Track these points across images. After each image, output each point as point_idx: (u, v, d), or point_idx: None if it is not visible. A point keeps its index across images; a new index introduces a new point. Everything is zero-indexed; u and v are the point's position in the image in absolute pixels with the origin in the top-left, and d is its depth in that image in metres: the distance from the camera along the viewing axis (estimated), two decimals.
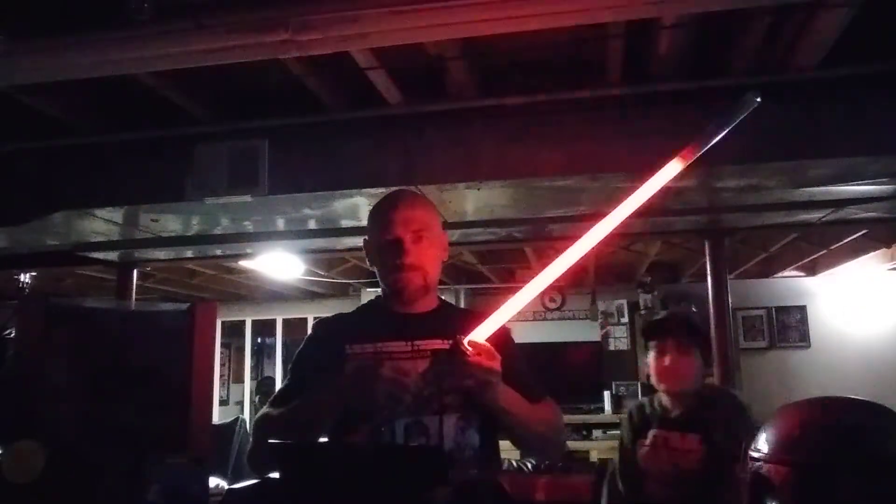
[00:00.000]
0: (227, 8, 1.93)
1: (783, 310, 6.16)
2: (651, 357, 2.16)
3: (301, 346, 1.60)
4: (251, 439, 1.54)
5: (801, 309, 6.11)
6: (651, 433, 2.11)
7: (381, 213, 1.53)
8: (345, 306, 1.74)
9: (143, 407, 1.52)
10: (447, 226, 3.51)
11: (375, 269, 1.56)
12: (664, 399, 2.15)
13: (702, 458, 1.97)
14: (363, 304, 1.74)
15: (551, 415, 1.53)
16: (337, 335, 1.54)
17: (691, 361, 2.10)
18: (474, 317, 1.62)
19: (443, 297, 1.65)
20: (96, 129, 2.94)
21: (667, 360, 2.10)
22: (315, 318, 1.79)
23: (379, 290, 1.61)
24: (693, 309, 5.94)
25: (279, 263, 4.80)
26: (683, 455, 2.01)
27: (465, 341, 1.29)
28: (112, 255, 4.17)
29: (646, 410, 2.20)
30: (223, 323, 7.47)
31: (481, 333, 1.32)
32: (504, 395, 1.36)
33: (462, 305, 6.60)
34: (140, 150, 2.99)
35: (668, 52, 2.37)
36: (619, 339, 6.45)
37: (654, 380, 2.15)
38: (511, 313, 1.35)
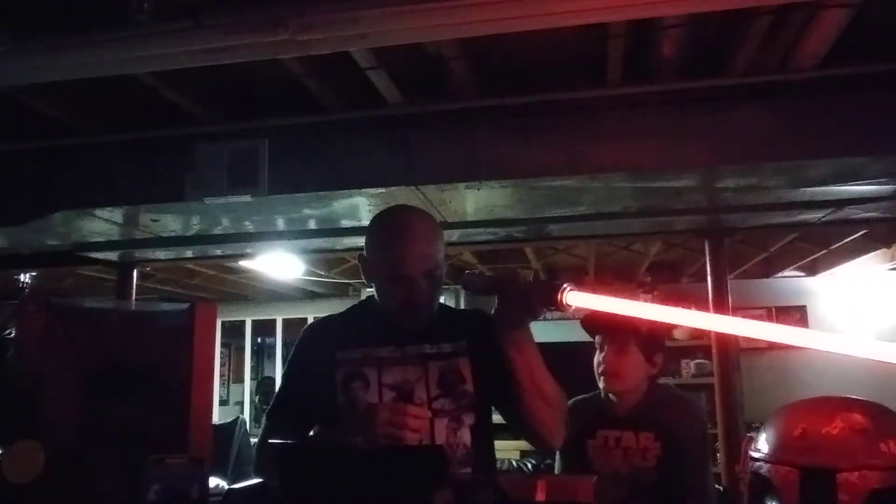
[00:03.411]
0: (227, 8, 1.93)
1: (783, 310, 6.15)
2: (597, 353, 2.10)
3: (292, 353, 1.59)
4: (255, 459, 1.53)
5: (801, 309, 6.10)
6: (599, 433, 2.03)
7: (392, 246, 1.41)
8: (344, 306, 1.72)
9: (143, 407, 1.53)
10: (447, 226, 3.53)
11: (374, 287, 1.52)
12: (611, 397, 2.08)
13: (659, 455, 1.94)
14: (355, 305, 1.70)
15: (562, 393, 1.50)
16: (327, 340, 1.53)
17: (629, 360, 2.01)
18: (469, 317, 1.61)
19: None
20: (96, 129, 2.94)
21: (603, 358, 2.04)
22: (315, 319, 1.77)
23: None
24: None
25: (279, 263, 4.80)
26: (639, 454, 1.96)
27: (567, 293, 1.26)
28: (112, 255, 4.17)
29: (590, 409, 2.11)
30: (223, 323, 7.46)
31: (583, 301, 1.28)
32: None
33: (462, 305, 6.60)
34: (140, 150, 2.98)
35: (668, 52, 2.37)
36: None
37: (596, 376, 2.09)
38: (627, 311, 1.32)
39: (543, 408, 1.42)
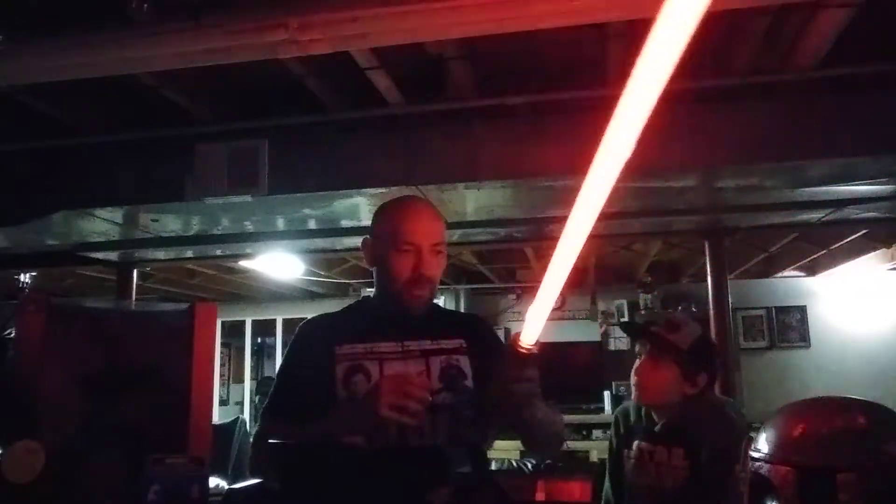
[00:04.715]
0: (227, 8, 1.93)
1: (783, 310, 6.16)
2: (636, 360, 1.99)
3: (288, 350, 1.58)
4: (251, 455, 1.52)
5: (801, 309, 6.11)
6: (635, 444, 1.94)
7: (400, 219, 1.47)
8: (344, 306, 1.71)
9: (143, 407, 1.53)
10: (447, 226, 3.53)
11: (376, 270, 1.53)
12: (649, 409, 1.97)
13: (687, 475, 1.83)
14: (351, 304, 1.70)
15: (560, 415, 1.52)
16: (325, 335, 1.52)
17: (661, 375, 1.88)
18: (466, 320, 1.61)
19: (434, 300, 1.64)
20: (96, 129, 2.94)
21: (637, 367, 1.93)
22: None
23: None
24: (693, 308, 5.95)
25: (279, 263, 4.80)
26: (671, 472, 1.86)
27: (521, 343, 1.18)
28: (112, 255, 4.17)
29: (630, 419, 2.01)
30: (223, 323, 7.46)
31: (529, 336, 1.19)
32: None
33: (462, 305, 6.61)
34: (140, 150, 2.99)
35: None
36: (620, 339, 6.43)
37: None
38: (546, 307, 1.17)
39: (547, 440, 1.47)
